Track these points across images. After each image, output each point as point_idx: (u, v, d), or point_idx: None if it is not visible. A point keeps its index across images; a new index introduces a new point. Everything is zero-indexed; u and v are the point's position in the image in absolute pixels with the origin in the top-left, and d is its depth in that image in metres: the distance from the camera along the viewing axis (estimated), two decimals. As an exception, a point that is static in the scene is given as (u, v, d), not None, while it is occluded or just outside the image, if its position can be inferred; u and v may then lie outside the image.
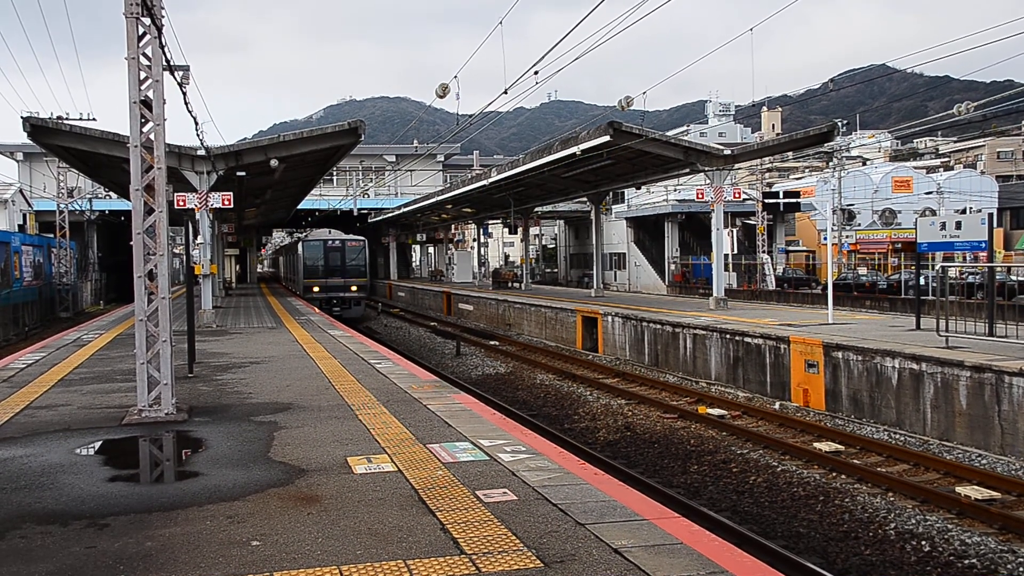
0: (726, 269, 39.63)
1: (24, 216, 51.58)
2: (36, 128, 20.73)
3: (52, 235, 45.50)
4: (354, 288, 39.26)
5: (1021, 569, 8.67)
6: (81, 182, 49.49)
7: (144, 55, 9.61)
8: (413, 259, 79.70)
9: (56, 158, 33.07)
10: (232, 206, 23.83)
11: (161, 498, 6.48)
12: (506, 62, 23.32)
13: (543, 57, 17.43)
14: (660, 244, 52.59)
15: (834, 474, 12.23)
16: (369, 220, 61.29)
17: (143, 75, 9.61)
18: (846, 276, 46.25)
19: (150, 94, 9.68)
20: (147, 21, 9.58)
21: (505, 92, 20.56)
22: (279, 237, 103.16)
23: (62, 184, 46.85)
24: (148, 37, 9.63)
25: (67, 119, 33.38)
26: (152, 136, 9.68)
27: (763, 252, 49.35)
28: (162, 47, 9.82)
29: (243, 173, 24.36)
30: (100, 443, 8.56)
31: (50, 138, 21.49)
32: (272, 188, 33.61)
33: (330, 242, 39.84)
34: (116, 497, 6.51)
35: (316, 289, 38.67)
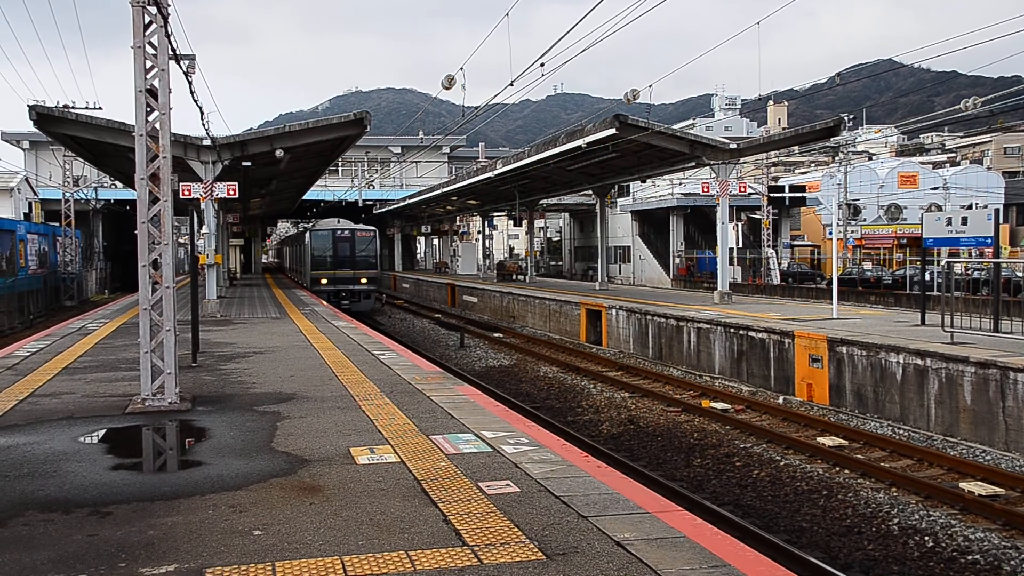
0: (731, 263, 39.55)
1: (30, 204, 51.64)
2: (42, 116, 20.73)
3: (57, 224, 45.55)
4: (364, 280, 37.31)
5: (1024, 566, 8.65)
6: (87, 171, 49.53)
7: (150, 44, 9.60)
8: (418, 251, 79.75)
9: (62, 147, 33.08)
10: (237, 196, 23.81)
11: (164, 487, 6.48)
12: (512, 54, 23.28)
13: (549, 49, 17.40)
14: (665, 238, 52.55)
15: (837, 469, 12.21)
16: (374, 211, 61.27)
17: (149, 64, 9.60)
18: (851, 271, 46.18)
19: (156, 83, 9.67)
20: (153, 10, 9.57)
21: (511, 84, 20.54)
22: (284, 228, 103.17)
23: (68, 173, 46.93)
24: (154, 26, 9.62)
25: (73, 108, 33.42)
26: (158, 125, 9.67)
27: (768, 246, 49.29)
28: (168, 36, 9.80)
29: (248, 163, 24.34)
30: (103, 431, 8.57)
31: (56, 127, 21.49)
32: (277, 178, 33.60)
33: (339, 231, 37.65)
34: (119, 485, 6.52)
35: (324, 281, 36.73)
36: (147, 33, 9.55)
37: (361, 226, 39.38)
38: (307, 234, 39.65)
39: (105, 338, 17.38)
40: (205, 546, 5.13)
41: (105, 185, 51.09)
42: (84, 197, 50.13)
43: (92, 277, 50.55)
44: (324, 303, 28.87)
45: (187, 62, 15.99)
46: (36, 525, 5.56)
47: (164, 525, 5.52)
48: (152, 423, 8.96)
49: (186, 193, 21.85)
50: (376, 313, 41.86)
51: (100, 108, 36.09)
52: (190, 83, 16.84)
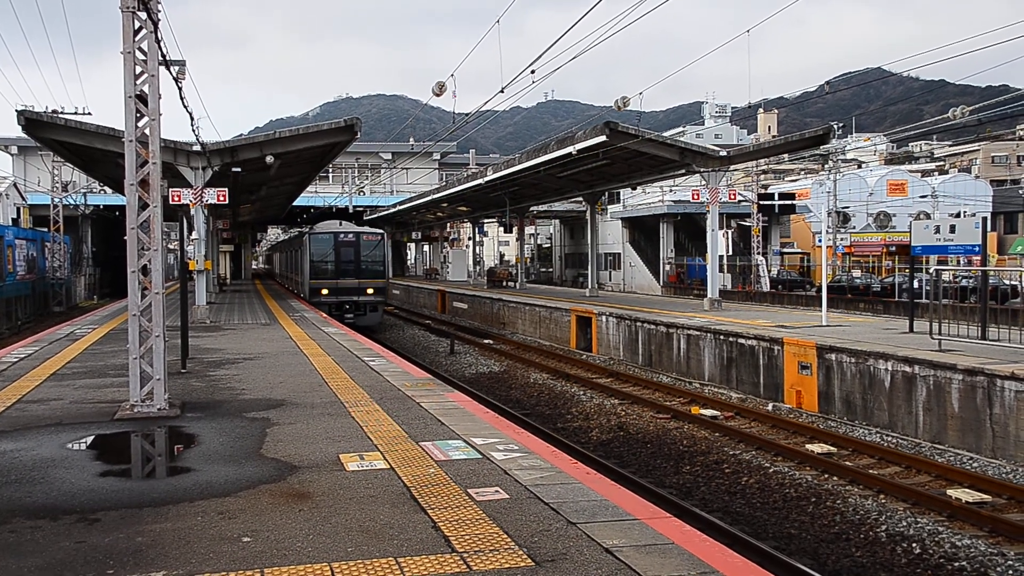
0: (721, 270, 39.67)
1: (18, 210, 51.41)
2: (31, 122, 20.65)
3: (46, 229, 45.36)
4: (370, 291, 32.73)
5: (1011, 572, 8.69)
6: (76, 176, 49.33)
7: (140, 50, 9.59)
8: (408, 257, 79.70)
9: (51, 152, 33.00)
10: (227, 202, 23.74)
11: (152, 493, 6.47)
12: (503, 61, 23.31)
13: (540, 56, 17.44)
14: (655, 245, 52.63)
15: (826, 476, 12.25)
16: (365, 218, 61.22)
17: (139, 70, 9.59)
18: (840, 278, 46.31)
19: (145, 89, 9.66)
20: (143, 15, 9.56)
21: (502, 91, 20.56)
22: (274, 234, 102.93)
23: (57, 178, 46.74)
24: (144, 32, 9.61)
25: (62, 113, 33.30)
26: (147, 131, 9.66)
27: (758, 254, 49.37)
28: (158, 42, 9.79)
29: (239, 169, 24.30)
30: (92, 438, 8.54)
31: (45, 132, 21.43)
32: (268, 184, 33.53)
33: (342, 235, 33.23)
34: (107, 492, 6.49)
35: (325, 292, 32.36)
36: (137, 38, 9.54)
37: (367, 229, 35.18)
38: (306, 238, 34.81)
39: (94, 344, 17.31)
40: (194, 553, 5.12)
41: (94, 191, 50.94)
42: (73, 203, 49.94)
43: (81, 283, 50.34)
44: (324, 315, 27.06)
45: (177, 68, 15.91)
46: (23, 532, 5.53)
47: (152, 532, 5.51)
48: (141, 429, 8.93)
49: (176, 199, 21.80)
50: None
51: (90, 113, 36.01)
52: (180, 89, 16.78)
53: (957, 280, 33.23)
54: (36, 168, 52.51)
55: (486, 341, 30.52)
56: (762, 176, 57.89)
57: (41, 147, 32.43)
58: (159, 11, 9.88)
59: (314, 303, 31.42)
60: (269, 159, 23.14)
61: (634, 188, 43.86)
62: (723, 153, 26.21)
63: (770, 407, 16.97)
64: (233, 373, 13.00)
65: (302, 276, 35.26)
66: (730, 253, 49.32)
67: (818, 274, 48.68)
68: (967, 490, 10.95)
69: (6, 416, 9.50)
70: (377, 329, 33.60)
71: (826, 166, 59.48)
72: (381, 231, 35.37)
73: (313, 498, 6.27)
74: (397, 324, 40.54)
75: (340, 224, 35.28)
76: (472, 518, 5.78)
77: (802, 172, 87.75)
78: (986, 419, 12.73)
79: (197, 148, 22.19)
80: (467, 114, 27.00)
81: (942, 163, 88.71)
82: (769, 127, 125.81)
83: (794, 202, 52.82)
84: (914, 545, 9.51)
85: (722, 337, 19.52)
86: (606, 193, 43.97)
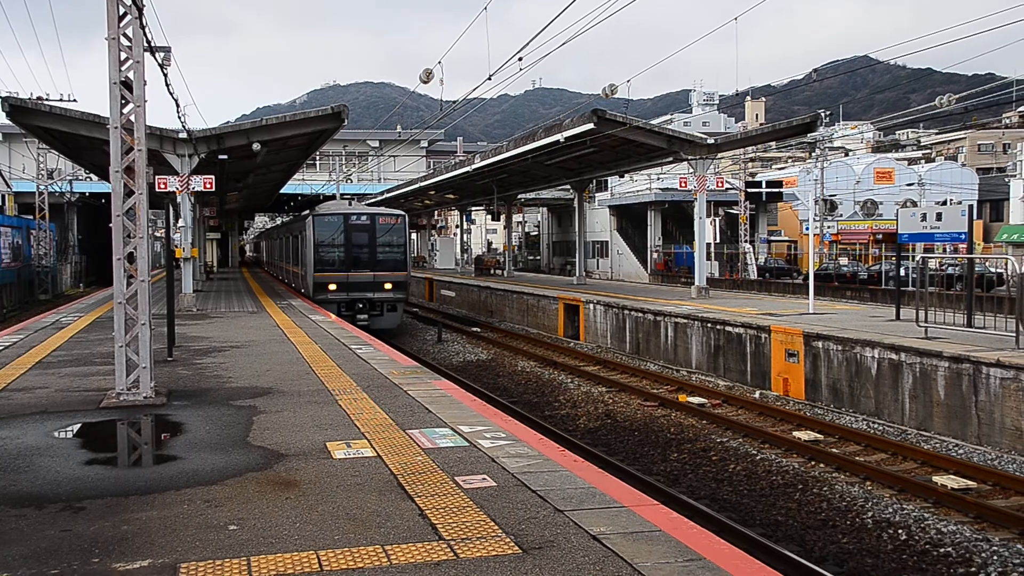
0: (708, 258, 39.73)
1: (3, 197, 50.99)
2: (15, 108, 20.47)
3: (32, 217, 45.06)
4: (388, 286, 26.92)
5: (995, 557, 8.76)
6: (61, 164, 48.98)
7: (125, 35, 9.50)
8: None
9: (36, 139, 32.75)
10: (214, 190, 23.61)
11: (138, 482, 6.44)
12: (490, 48, 23.24)
13: (528, 44, 17.39)
14: (643, 232, 52.70)
15: (813, 463, 12.31)
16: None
17: (123, 56, 9.51)
18: (827, 266, 46.47)
19: (130, 75, 9.57)
20: (128, 1, 9.47)
21: (489, 78, 20.52)
22: (261, 222, 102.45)
23: (42, 165, 46.40)
24: (129, 17, 9.52)
25: (47, 100, 33.03)
26: (132, 117, 9.58)
27: (745, 242, 49.50)
28: (143, 28, 9.70)
29: (225, 157, 24.16)
30: (77, 426, 8.49)
31: (30, 119, 21.25)
32: (254, 172, 33.36)
33: (354, 217, 27.18)
34: (93, 480, 6.46)
35: (333, 287, 26.56)
36: (121, 24, 9.46)
37: (383, 210, 29.26)
38: (309, 220, 27.84)
39: (79, 332, 17.22)
40: (180, 541, 5.10)
41: (80, 178, 50.58)
42: (59, 190, 49.61)
43: (67, 271, 50.07)
44: (315, 305, 24.63)
45: (162, 54, 15.82)
46: (8, 520, 5.50)
47: (138, 520, 5.48)
48: (127, 418, 8.89)
49: (162, 186, 21.67)
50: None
51: (75, 100, 35.84)
52: (165, 75, 16.68)
53: (943, 268, 33.41)
54: (21, 155, 52.07)
55: (473, 329, 30.50)
56: (749, 164, 57.98)
57: (26, 134, 32.17)
58: (143, -4, 9.80)
59: (319, 301, 26.07)
60: (256, 146, 23.01)
61: (622, 176, 43.91)
62: (711, 141, 26.24)
63: (757, 395, 17.03)
64: (220, 361, 12.95)
65: (304, 268, 28.90)
66: (717, 241, 49.44)
67: (805, 262, 48.80)
68: (953, 477, 11.03)
69: (-9, 405, 9.44)
70: (395, 332, 28.26)
71: (813, 154, 59.55)
72: (401, 212, 29.23)
73: (300, 486, 6.25)
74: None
75: (350, 204, 29.92)
76: (459, 506, 5.78)
77: (789, 160, 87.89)
78: (972, 406, 12.81)
79: (183, 135, 22.05)
80: (455, 102, 26.91)
81: (929, 151, 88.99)
82: (757, 115, 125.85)
83: (781, 190, 52.92)
84: (900, 531, 9.57)
85: (709, 325, 19.56)
86: (594, 181, 43.96)
